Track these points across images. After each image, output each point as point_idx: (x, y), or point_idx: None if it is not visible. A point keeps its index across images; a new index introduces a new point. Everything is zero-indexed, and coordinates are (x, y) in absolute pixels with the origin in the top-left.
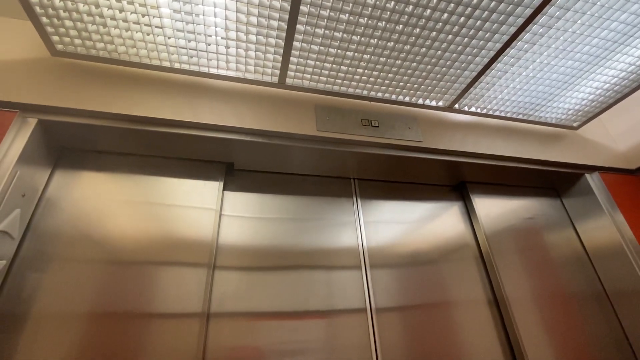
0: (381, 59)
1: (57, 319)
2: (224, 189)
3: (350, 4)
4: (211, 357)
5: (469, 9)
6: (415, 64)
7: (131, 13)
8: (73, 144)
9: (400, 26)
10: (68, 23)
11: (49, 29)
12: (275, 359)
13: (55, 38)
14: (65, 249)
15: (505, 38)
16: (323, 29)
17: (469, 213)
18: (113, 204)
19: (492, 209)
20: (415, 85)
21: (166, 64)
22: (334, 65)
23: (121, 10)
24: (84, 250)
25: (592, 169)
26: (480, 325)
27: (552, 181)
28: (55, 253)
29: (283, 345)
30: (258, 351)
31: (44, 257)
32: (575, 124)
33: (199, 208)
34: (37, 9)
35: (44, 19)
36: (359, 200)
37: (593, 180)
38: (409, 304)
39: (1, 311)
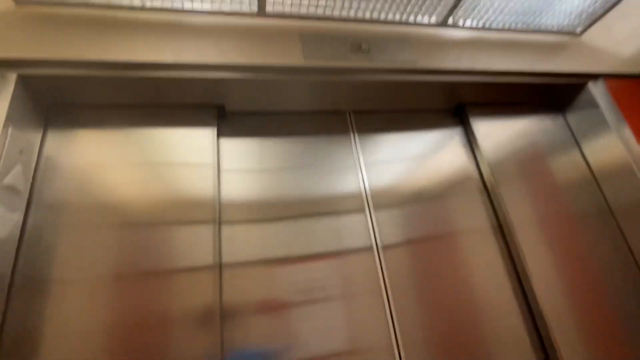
0: None
1: (77, 283)
2: (219, 135)
3: None
4: (228, 303)
5: None
6: None
7: None
8: (59, 98)
9: None
10: None
11: None
12: (289, 298)
13: None
14: (71, 215)
15: None
16: None
17: (469, 139)
18: (110, 162)
19: (492, 131)
20: (405, 0)
21: (137, 3)
22: None
23: None
24: (89, 215)
25: (596, 76)
26: (486, 252)
27: (554, 96)
28: (62, 220)
29: (296, 286)
30: (272, 292)
31: (53, 223)
32: (578, 29)
33: (197, 158)
34: None
35: None
36: (356, 136)
37: (597, 88)
38: (414, 238)
39: (23, 272)
